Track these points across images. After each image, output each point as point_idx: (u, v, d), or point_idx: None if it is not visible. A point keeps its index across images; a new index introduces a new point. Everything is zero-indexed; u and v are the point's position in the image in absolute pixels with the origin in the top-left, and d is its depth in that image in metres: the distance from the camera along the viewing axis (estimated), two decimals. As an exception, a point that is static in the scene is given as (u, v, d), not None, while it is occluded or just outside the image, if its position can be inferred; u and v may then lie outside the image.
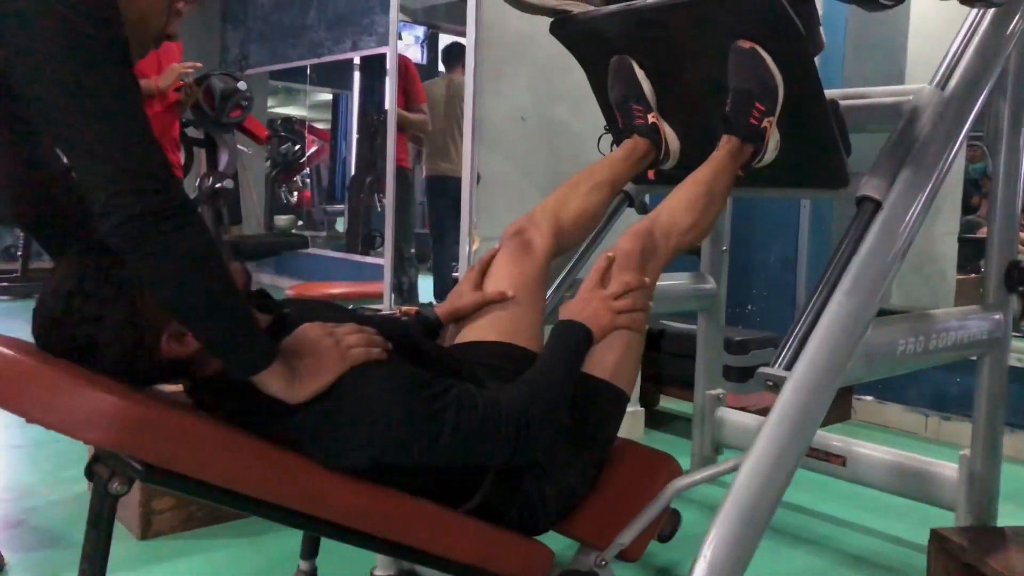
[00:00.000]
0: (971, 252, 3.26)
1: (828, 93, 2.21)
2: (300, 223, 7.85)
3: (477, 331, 1.43)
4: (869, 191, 1.49)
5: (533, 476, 1.22)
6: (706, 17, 1.59)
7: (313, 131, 7.73)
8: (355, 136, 7.12)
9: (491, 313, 1.44)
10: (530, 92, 2.45)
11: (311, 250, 6.13)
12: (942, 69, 1.65)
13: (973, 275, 3.28)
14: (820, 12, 1.78)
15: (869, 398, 3.23)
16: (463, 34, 3.87)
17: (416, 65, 4.83)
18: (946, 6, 1.67)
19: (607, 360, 1.33)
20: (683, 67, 1.72)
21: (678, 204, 1.53)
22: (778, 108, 1.57)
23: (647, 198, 2.09)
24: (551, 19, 1.78)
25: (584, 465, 1.29)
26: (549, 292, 1.76)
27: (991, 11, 1.68)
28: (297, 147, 7.63)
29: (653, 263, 1.43)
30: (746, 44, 1.54)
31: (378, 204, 6.39)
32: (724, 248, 2.40)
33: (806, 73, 1.55)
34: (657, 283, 2.24)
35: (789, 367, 1.38)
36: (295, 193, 8.16)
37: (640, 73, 1.75)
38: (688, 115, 1.76)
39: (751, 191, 1.94)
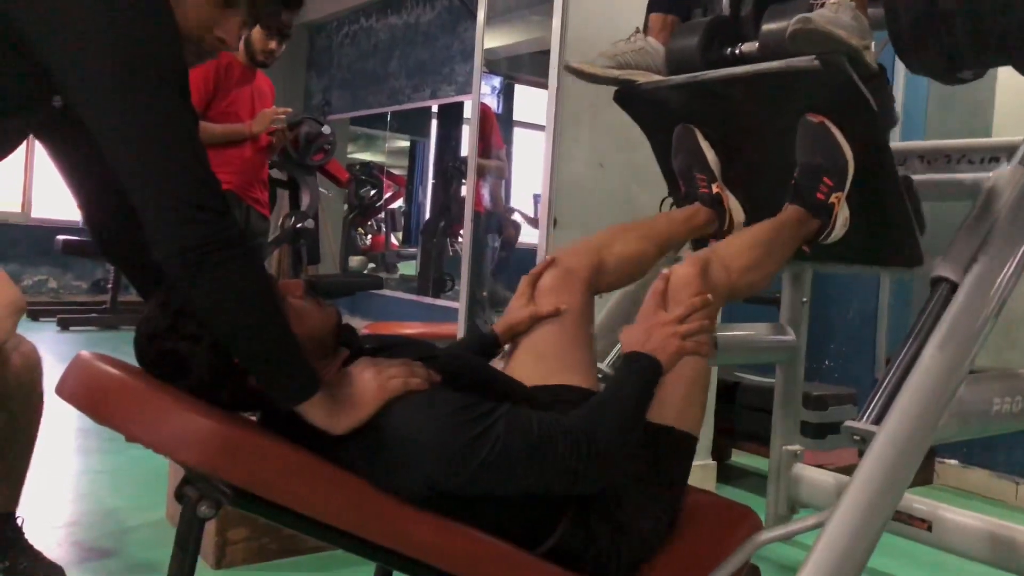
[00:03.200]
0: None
1: (910, 145, 2.19)
2: (372, 265, 8.01)
3: (530, 365, 1.41)
4: (945, 272, 1.44)
5: (608, 523, 1.20)
6: (774, 90, 1.58)
7: (390, 176, 7.92)
8: (430, 182, 7.27)
9: (543, 341, 1.41)
10: (609, 137, 2.47)
11: (384, 291, 6.23)
12: (1023, 149, 1.60)
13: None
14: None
15: (953, 462, 3.09)
16: (540, 85, 3.94)
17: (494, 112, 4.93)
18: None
19: (673, 400, 1.28)
20: (749, 139, 1.70)
21: (740, 241, 1.51)
22: (847, 184, 1.54)
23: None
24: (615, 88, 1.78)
25: (658, 512, 1.25)
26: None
27: None
28: (374, 191, 7.82)
29: (713, 290, 1.34)
30: (816, 119, 1.53)
31: (450, 248, 6.48)
32: (804, 300, 2.35)
33: (878, 150, 1.52)
34: (736, 332, 2.25)
35: (878, 421, 1.34)
36: (369, 236, 8.35)
37: (704, 143, 1.73)
38: (754, 188, 1.73)
39: (822, 265, 1.90)
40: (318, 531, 0.99)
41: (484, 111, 4.35)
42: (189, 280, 0.92)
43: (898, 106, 3.41)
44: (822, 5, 1.44)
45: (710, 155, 1.74)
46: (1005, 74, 2.90)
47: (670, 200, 1.91)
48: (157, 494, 2.28)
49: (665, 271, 1.34)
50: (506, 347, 1.49)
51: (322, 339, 1.13)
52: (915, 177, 1.65)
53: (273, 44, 3.19)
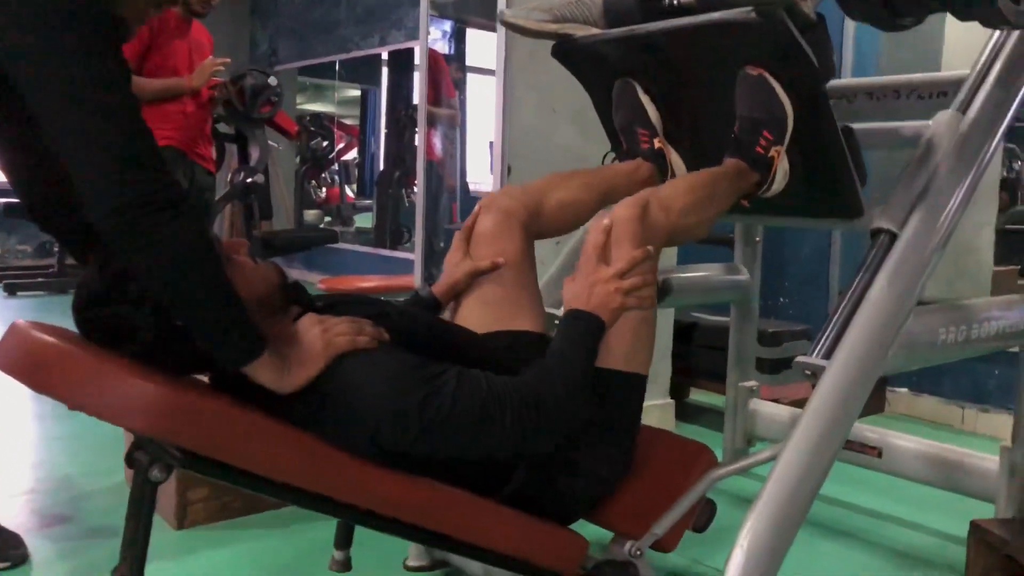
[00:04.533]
0: (1013, 244, 3.20)
1: (859, 81, 2.19)
2: (328, 218, 7.89)
3: (478, 314, 1.40)
4: (884, 223, 1.45)
5: (564, 465, 1.22)
6: (712, 43, 1.55)
7: (342, 127, 7.77)
8: (383, 132, 7.15)
9: (487, 291, 1.40)
10: (562, 83, 2.43)
11: (340, 245, 6.16)
12: (963, 93, 1.61)
13: (1011, 267, 3.23)
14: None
15: (904, 390, 3.18)
16: (491, 28, 3.85)
17: (445, 58, 4.83)
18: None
19: (620, 345, 1.27)
20: (690, 92, 1.67)
21: (680, 185, 1.49)
22: (787, 137, 1.53)
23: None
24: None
25: (612, 452, 1.27)
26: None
27: (1015, 33, 1.62)
28: (326, 143, 7.68)
29: (653, 234, 1.32)
30: (754, 71, 1.50)
31: (406, 199, 6.42)
32: (757, 239, 2.37)
33: (817, 101, 1.50)
34: (691, 274, 2.26)
35: (828, 356, 1.37)
36: (323, 189, 8.21)
37: (645, 98, 1.70)
38: (696, 141, 1.71)
39: (762, 219, 1.90)
40: (273, 490, 0.99)
41: (433, 57, 4.27)
42: (125, 241, 0.89)
43: (850, 43, 3.41)
44: None
45: (651, 110, 1.71)
46: (953, 24, 2.93)
47: (612, 155, 1.89)
48: (114, 458, 2.23)
49: (605, 220, 1.31)
50: (449, 306, 1.47)
51: (268, 298, 1.11)
52: (855, 126, 1.64)
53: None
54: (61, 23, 0.89)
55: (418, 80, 6.08)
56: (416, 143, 6.18)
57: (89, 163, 0.88)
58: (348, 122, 7.94)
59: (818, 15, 1.52)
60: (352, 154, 8.12)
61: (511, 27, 1.67)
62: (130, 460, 0.98)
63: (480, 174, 5.52)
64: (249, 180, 4.23)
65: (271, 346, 1.00)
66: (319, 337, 1.04)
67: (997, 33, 1.66)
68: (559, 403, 1.12)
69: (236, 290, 0.98)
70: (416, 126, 6.13)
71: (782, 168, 1.57)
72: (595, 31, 1.69)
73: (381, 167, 7.09)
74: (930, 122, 1.60)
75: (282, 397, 1.02)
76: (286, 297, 1.14)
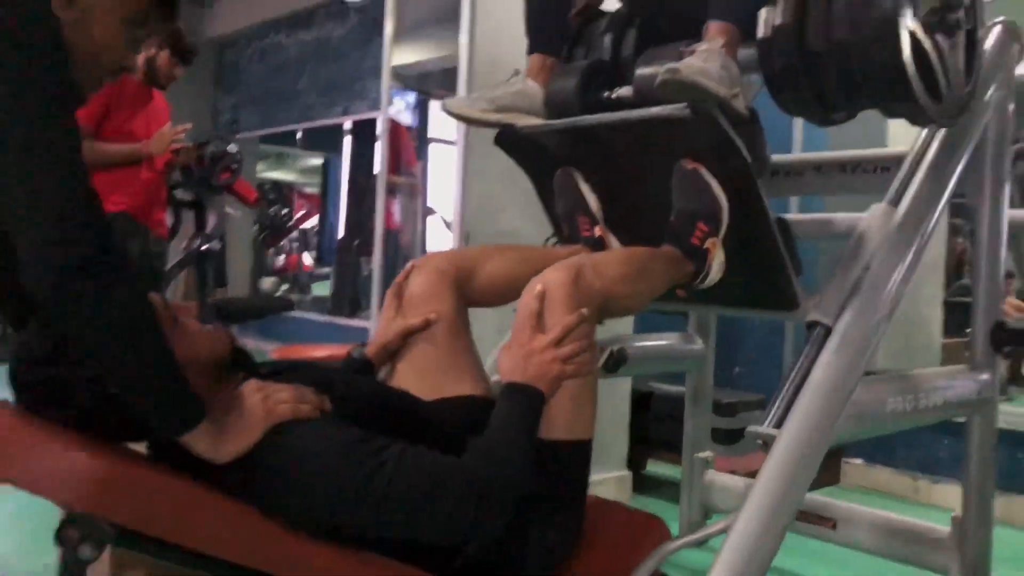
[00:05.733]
0: (959, 317, 3.28)
1: (806, 157, 2.26)
2: (285, 286, 7.83)
3: (413, 378, 1.36)
4: (819, 316, 1.47)
5: (514, 537, 1.19)
6: (649, 136, 1.58)
7: (302, 195, 7.80)
8: (344, 200, 7.18)
9: (422, 353, 1.37)
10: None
11: (296, 313, 6.10)
12: (895, 187, 1.65)
13: (959, 339, 3.30)
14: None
15: (858, 461, 3.20)
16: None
17: (407, 129, 4.90)
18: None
19: (561, 418, 1.23)
20: (628, 182, 1.70)
21: (614, 253, 1.51)
22: (722, 229, 1.55)
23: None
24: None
25: (563, 523, 1.23)
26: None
27: (943, 129, 1.67)
28: (285, 210, 7.69)
29: (587, 298, 1.29)
30: (689, 164, 1.53)
31: (365, 267, 6.41)
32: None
33: (751, 195, 1.53)
34: (646, 343, 2.27)
35: (779, 425, 1.38)
36: (282, 256, 8.18)
37: (585, 186, 1.72)
38: (634, 229, 1.71)
39: (702, 308, 1.91)
40: (213, 567, 0.95)
41: (395, 127, 4.32)
42: (62, 306, 0.87)
43: (800, 120, 3.53)
44: (692, 52, 1.45)
45: (591, 198, 1.72)
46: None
47: (554, 240, 1.89)
48: (47, 537, 2.15)
49: (538, 286, 1.28)
50: (382, 370, 1.43)
51: (214, 364, 1.08)
52: (789, 217, 1.67)
53: (179, 70, 3.14)
54: (18, 82, 0.88)
55: (379, 149, 6.20)
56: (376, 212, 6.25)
57: (31, 224, 0.87)
58: (309, 190, 7.97)
59: (751, 110, 1.57)
60: (311, 222, 8.13)
61: (455, 116, 1.70)
62: (59, 537, 0.93)
63: (441, 245, 5.54)
64: (204, 247, 4.19)
65: (210, 414, 0.98)
66: (259, 404, 1.01)
67: (926, 129, 1.73)
68: (504, 487, 1.09)
69: (175, 357, 0.95)
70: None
71: (718, 260, 1.58)
72: (536, 121, 1.72)
73: (341, 235, 7.10)
74: (863, 215, 1.64)
75: (221, 467, 0.99)
76: (232, 364, 1.12)
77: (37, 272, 0.86)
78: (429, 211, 5.13)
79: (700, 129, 1.47)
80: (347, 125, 6.50)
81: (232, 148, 4.06)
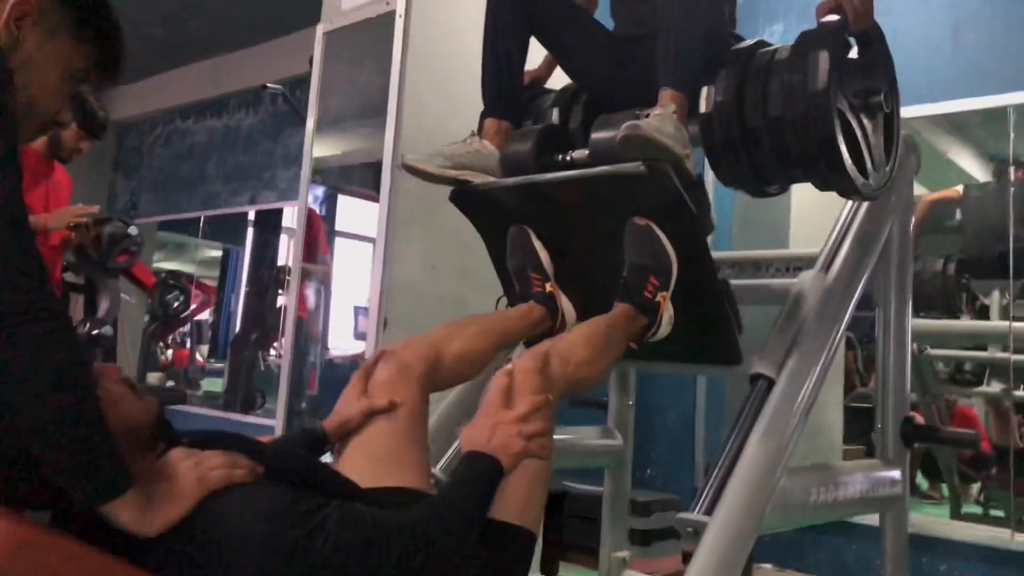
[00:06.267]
0: (860, 424, 3.40)
1: (722, 255, 2.35)
2: (171, 383, 7.43)
3: (361, 464, 1.32)
4: (762, 369, 1.55)
5: None
6: (603, 193, 1.65)
7: (200, 286, 7.52)
8: (243, 291, 6.96)
9: (376, 440, 1.34)
10: (444, 238, 2.47)
11: (188, 408, 5.81)
12: (824, 254, 1.78)
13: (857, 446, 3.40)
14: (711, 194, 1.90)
15: (769, 566, 3.20)
16: (365, 196, 3.92)
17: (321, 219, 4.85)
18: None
19: (515, 498, 1.23)
20: (580, 240, 1.77)
21: (577, 337, 1.53)
22: (672, 284, 1.62)
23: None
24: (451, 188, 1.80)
25: None
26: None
27: (866, 203, 1.81)
28: (180, 300, 7.38)
29: (553, 384, 1.36)
30: (641, 221, 1.61)
31: (262, 363, 6.19)
32: (630, 403, 2.41)
33: (698, 252, 1.62)
34: (565, 436, 2.24)
35: (709, 512, 1.37)
36: (170, 351, 7.80)
37: (538, 243, 1.78)
38: (585, 286, 1.79)
39: (647, 365, 1.99)
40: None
41: (312, 216, 4.27)
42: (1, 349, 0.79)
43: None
44: (647, 116, 1.53)
45: (543, 255, 1.78)
46: (799, 194, 3.24)
47: (504, 300, 1.92)
48: None
49: (508, 366, 1.33)
50: (336, 445, 1.39)
51: (138, 431, 1.00)
52: (732, 282, 1.75)
53: (85, 144, 3.02)
54: None
55: (285, 241, 6.09)
56: (278, 305, 6.09)
57: None
58: (207, 282, 7.71)
59: (698, 176, 1.65)
60: (205, 314, 7.82)
61: (412, 171, 1.71)
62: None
63: (343, 340, 5.42)
64: (95, 332, 3.95)
65: (136, 483, 0.89)
66: (190, 471, 0.94)
67: (850, 203, 1.84)
68: (447, 539, 1.06)
69: (104, 419, 0.87)
70: (280, 287, 6.05)
71: (668, 313, 1.66)
72: (492, 179, 1.77)
73: (238, 328, 6.85)
74: (797, 279, 1.73)
75: (138, 540, 0.89)
76: (157, 432, 1.03)
77: None
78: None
79: (654, 186, 1.53)
80: (251, 216, 6.39)
81: (132, 231, 3.90)
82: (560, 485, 2.99)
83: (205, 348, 7.91)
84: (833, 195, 1.70)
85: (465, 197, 1.82)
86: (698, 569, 1.28)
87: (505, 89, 1.84)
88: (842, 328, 1.69)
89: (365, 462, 1.32)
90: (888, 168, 1.70)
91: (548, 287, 1.76)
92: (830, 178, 1.61)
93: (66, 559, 0.81)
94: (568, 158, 1.77)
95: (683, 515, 1.40)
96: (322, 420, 1.39)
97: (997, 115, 2.90)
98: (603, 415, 2.43)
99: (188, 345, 7.82)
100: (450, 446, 1.79)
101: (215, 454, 0.98)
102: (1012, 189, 2.94)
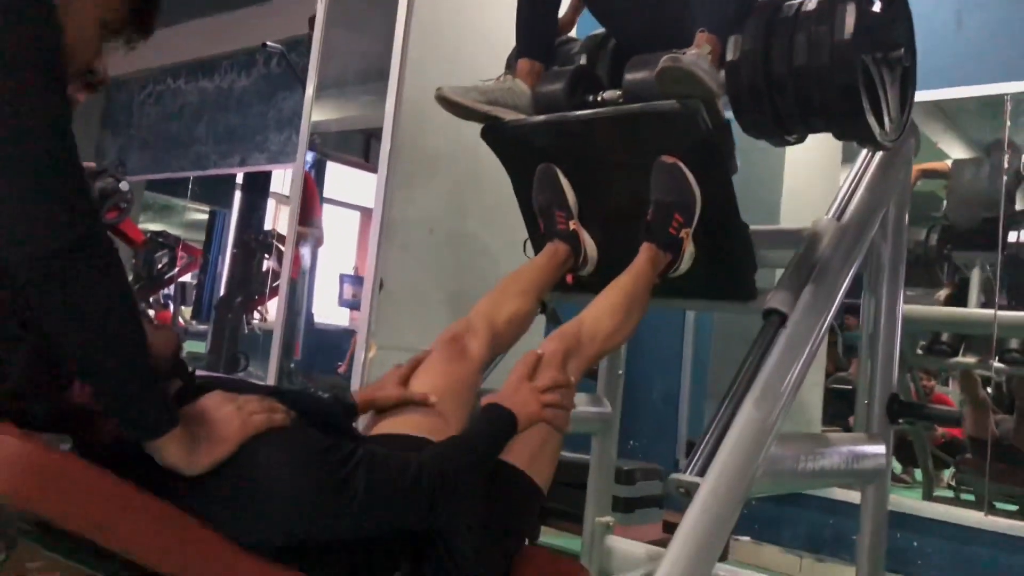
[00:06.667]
0: (837, 407, 3.46)
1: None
2: (153, 343, 7.38)
3: (395, 426, 1.35)
4: (776, 304, 1.60)
5: (444, 567, 1.15)
6: (632, 132, 1.70)
7: (186, 248, 7.47)
8: (229, 253, 6.92)
9: (413, 413, 1.37)
10: (441, 203, 2.48)
11: (170, 367, 5.77)
12: (837, 202, 1.84)
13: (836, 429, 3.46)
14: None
15: (746, 539, 3.26)
16: (354, 164, 3.89)
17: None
18: (818, 149, 1.84)
19: (525, 452, 1.30)
20: (607, 177, 1.82)
21: (603, 309, 1.58)
22: (695, 221, 1.68)
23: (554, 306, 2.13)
24: (480, 125, 1.84)
25: (495, 558, 1.22)
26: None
27: (880, 153, 1.86)
28: (165, 260, 7.33)
29: (576, 364, 1.46)
30: (669, 159, 1.65)
31: (246, 325, 6.17)
32: (620, 372, 2.43)
33: (723, 191, 1.68)
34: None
35: (702, 473, 1.39)
36: (152, 312, 7.74)
37: (565, 181, 1.82)
38: (607, 224, 1.85)
39: (664, 301, 2.01)
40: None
41: (306, 179, 4.26)
42: (49, 289, 0.80)
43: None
44: (683, 54, 1.57)
45: (570, 194, 1.83)
46: (790, 162, 3.28)
47: (530, 244, 1.98)
48: None
49: (538, 350, 1.42)
50: (362, 418, 1.41)
51: (158, 364, 1.01)
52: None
53: (81, 96, 2.99)
54: (16, 54, 0.83)
55: (272, 205, 6.05)
56: (264, 268, 6.06)
57: (20, 198, 0.80)
58: (192, 244, 7.65)
59: (725, 120, 1.70)
60: (189, 276, 7.77)
61: (447, 103, 1.75)
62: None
63: (327, 307, 5.42)
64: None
65: (181, 422, 0.92)
66: (234, 414, 0.97)
67: (864, 151, 1.88)
68: (460, 476, 1.12)
69: (151, 358, 0.89)
70: (267, 251, 6.02)
71: (689, 249, 1.71)
72: (523, 116, 1.81)
73: (222, 291, 6.82)
74: (810, 226, 1.79)
75: (171, 478, 0.92)
76: (173, 367, 1.05)
77: (24, 252, 0.79)
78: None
79: (684, 125, 1.59)
80: (239, 179, 6.34)
81: (124, 186, 3.90)
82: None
83: (188, 310, 7.87)
84: (820, 176, 1.74)
85: (496, 133, 1.85)
86: (689, 529, 1.30)
87: (540, 31, 1.89)
88: (851, 273, 1.73)
89: (402, 418, 1.36)
90: (903, 119, 1.74)
91: (572, 225, 1.80)
92: (849, 127, 1.66)
93: (93, 488, 0.83)
94: (600, 98, 1.82)
95: (676, 476, 1.42)
96: (319, 384, 1.42)
97: (992, 104, 2.94)
98: (592, 384, 2.46)
99: (171, 307, 7.77)
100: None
101: (253, 398, 1.01)
102: (1007, 158, 2.96)
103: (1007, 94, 2.88)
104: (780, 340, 1.53)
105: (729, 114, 1.76)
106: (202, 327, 7.12)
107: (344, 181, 4.93)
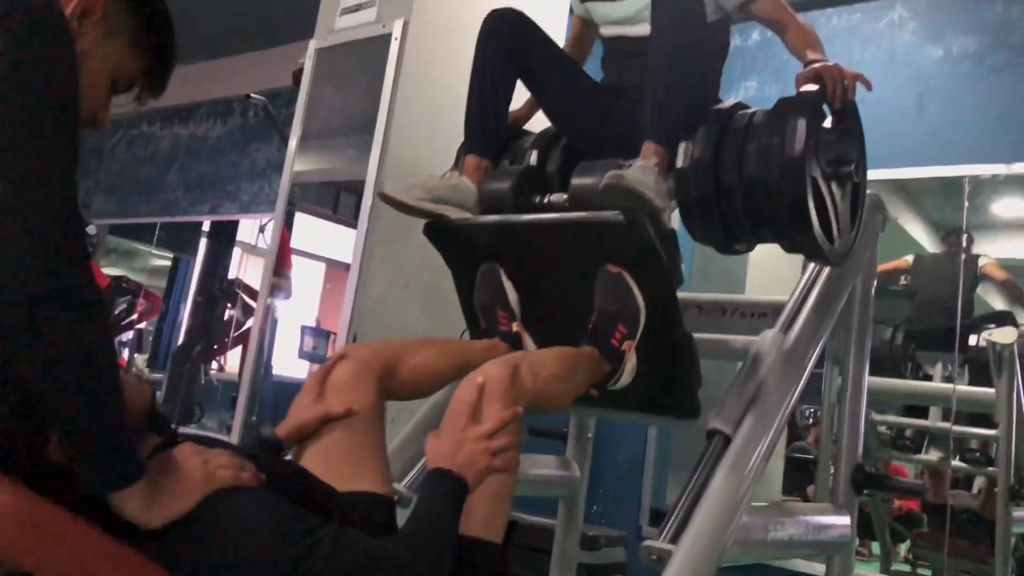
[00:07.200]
0: (795, 476, 3.49)
1: (691, 296, 2.41)
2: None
3: (322, 466, 1.31)
4: (719, 425, 1.57)
5: None
6: (577, 239, 1.68)
7: (147, 295, 7.35)
8: (191, 302, 6.83)
9: (334, 443, 1.33)
10: (418, 260, 2.49)
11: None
12: (785, 315, 1.83)
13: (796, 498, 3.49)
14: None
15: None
16: (323, 216, 3.91)
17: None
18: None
19: (480, 513, 1.26)
20: (551, 281, 1.79)
21: (548, 353, 1.56)
22: (638, 333, 1.65)
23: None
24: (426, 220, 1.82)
25: None
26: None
27: (828, 268, 1.87)
28: (124, 306, 7.20)
29: (522, 396, 1.36)
30: (614, 269, 1.64)
31: (203, 376, 6.07)
32: (589, 435, 2.44)
33: (667, 303, 1.65)
34: (523, 465, 2.25)
35: (675, 540, 1.39)
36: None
37: (508, 283, 1.80)
38: (551, 330, 1.80)
39: (605, 413, 2.00)
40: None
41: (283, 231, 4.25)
42: (31, 335, 0.80)
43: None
44: (629, 166, 1.58)
45: (512, 295, 1.80)
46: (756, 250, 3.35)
47: (467, 335, 1.94)
48: None
49: (479, 378, 1.33)
50: (293, 450, 1.38)
51: (133, 418, 0.99)
52: (696, 336, 1.78)
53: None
54: (43, 101, 0.85)
55: (238, 253, 6.01)
56: (226, 318, 5.99)
57: (11, 242, 0.79)
58: (153, 291, 7.54)
59: (672, 229, 1.69)
60: (146, 323, 7.63)
61: (389, 201, 1.73)
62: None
63: (287, 358, 5.35)
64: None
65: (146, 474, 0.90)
66: (199, 468, 0.96)
67: (812, 265, 1.92)
68: (431, 568, 1.07)
69: (126, 408, 0.88)
70: (230, 300, 5.96)
71: (631, 363, 1.67)
72: (468, 215, 1.78)
73: (181, 339, 6.70)
74: (757, 338, 1.78)
75: (132, 530, 0.90)
76: (149, 422, 1.03)
77: (10, 297, 0.79)
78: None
79: (630, 235, 1.57)
80: (205, 226, 6.30)
81: (91, 230, 3.84)
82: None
83: (143, 358, 7.70)
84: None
85: (439, 231, 1.83)
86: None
87: (489, 128, 1.87)
88: (798, 389, 1.73)
89: (324, 467, 1.31)
90: (852, 235, 1.78)
91: (515, 327, 1.77)
92: (798, 241, 1.67)
93: (75, 536, 0.81)
94: (546, 201, 1.81)
95: (649, 542, 1.42)
96: (274, 427, 1.39)
97: (951, 185, 3.06)
98: (561, 446, 2.45)
99: (126, 354, 7.61)
100: (418, 461, 1.79)
101: (223, 453, 1.00)
102: (962, 259, 3.08)
103: (965, 176, 3.00)
104: (725, 462, 1.51)
105: (677, 218, 1.76)
106: (157, 375, 6.98)
107: (310, 232, 4.92)
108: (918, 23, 3.23)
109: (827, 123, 1.68)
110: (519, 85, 1.93)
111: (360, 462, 1.33)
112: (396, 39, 2.48)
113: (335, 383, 1.39)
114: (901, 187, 3.21)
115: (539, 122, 2.07)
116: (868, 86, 1.71)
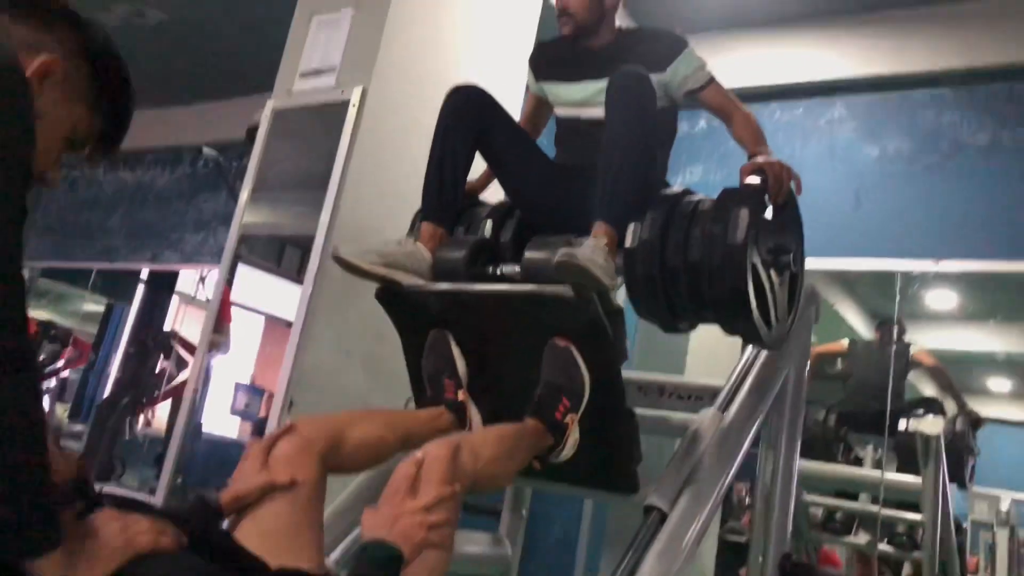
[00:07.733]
0: (728, 557, 3.49)
1: (632, 375, 2.44)
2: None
3: (256, 539, 1.25)
4: (656, 501, 1.60)
5: None
6: (528, 311, 1.71)
7: (75, 342, 7.10)
8: (122, 352, 6.61)
9: (272, 516, 1.28)
10: (361, 325, 2.47)
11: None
12: (723, 395, 1.88)
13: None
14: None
15: None
16: (266, 269, 3.86)
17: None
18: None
19: None
20: (499, 351, 1.82)
21: (488, 435, 1.57)
22: (582, 407, 1.67)
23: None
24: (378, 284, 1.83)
25: None
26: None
27: (765, 351, 1.94)
28: (48, 353, 6.94)
29: (461, 476, 1.36)
30: (562, 342, 1.67)
31: (128, 430, 5.86)
32: (524, 512, 2.41)
33: (611, 378, 1.69)
34: (456, 542, 2.21)
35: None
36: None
37: (456, 350, 1.81)
38: (496, 400, 1.82)
39: (544, 485, 2.01)
40: None
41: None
42: None
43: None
44: (580, 245, 1.63)
45: (460, 363, 1.81)
46: (697, 332, 3.42)
47: (412, 403, 1.94)
48: None
49: (418, 454, 1.33)
50: (229, 520, 1.33)
51: (58, 486, 0.95)
52: (637, 411, 1.81)
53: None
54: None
55: (176, 304, 5.87)
56: (158, 371, 5.81)
57: None
58: (81, 338, 7.29)
59: (618, 306, 1.73)
60: (70, 371, 7.36)
61: (344, 264, 1.73)
62: None
63: (218, 415, 5.20)
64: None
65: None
66: (119, 533, 0.93)
67: (750, 348, 1.97)
68: None
69: (50, 477, 0.84)
70: (164, 352, 5.79)
71: (574, 436, 1.69)
72: (421, 282, 1.80)
73: (108, 391, 6.47)
74: (696, 416, 1.81)
75: None
76: (76, 490, 0.99)
77: None
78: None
79: (578, 310, 1.60)
80: (143, 274, 6.16)
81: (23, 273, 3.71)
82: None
83: (65, 408, 7.41)
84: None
85: (391, 296, 1.84)
86: None
87: (446, 198, 1.90)
88: (734, 468, 1.78)
89: (259, 539, 1.26)
90: (789, 321, 1.85)
91: (460, 395, 1.78)
92: (737, 324, 1.74)
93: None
94: (499, 271, 1.85)
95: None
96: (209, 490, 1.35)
97: (885, 277, 3.18)
98: (495, 523, 2.42)
99: (47, 403, 7.31)
100: (349, 533, 1.75)
101: (142, 518, 0.97)
102: (894, 348, 3.19)
103: (898, 271, 3.12)
104: (660, 538, 1.53)
105: (623, 294, 1.82)
106: (78, 427, 6.71)
107: (251, 285, 4.85)
108: (856, 122, 3.39)
109: (768, 214, 1.75)
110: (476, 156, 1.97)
111: (296, 539, 1.30)
112: (354, 106, 2.50)
113: (278, 457, 1.36)
114: (839, 276, 3.32)
115: (495, 191, 2.10)
116: (799, 190, 1.79)
